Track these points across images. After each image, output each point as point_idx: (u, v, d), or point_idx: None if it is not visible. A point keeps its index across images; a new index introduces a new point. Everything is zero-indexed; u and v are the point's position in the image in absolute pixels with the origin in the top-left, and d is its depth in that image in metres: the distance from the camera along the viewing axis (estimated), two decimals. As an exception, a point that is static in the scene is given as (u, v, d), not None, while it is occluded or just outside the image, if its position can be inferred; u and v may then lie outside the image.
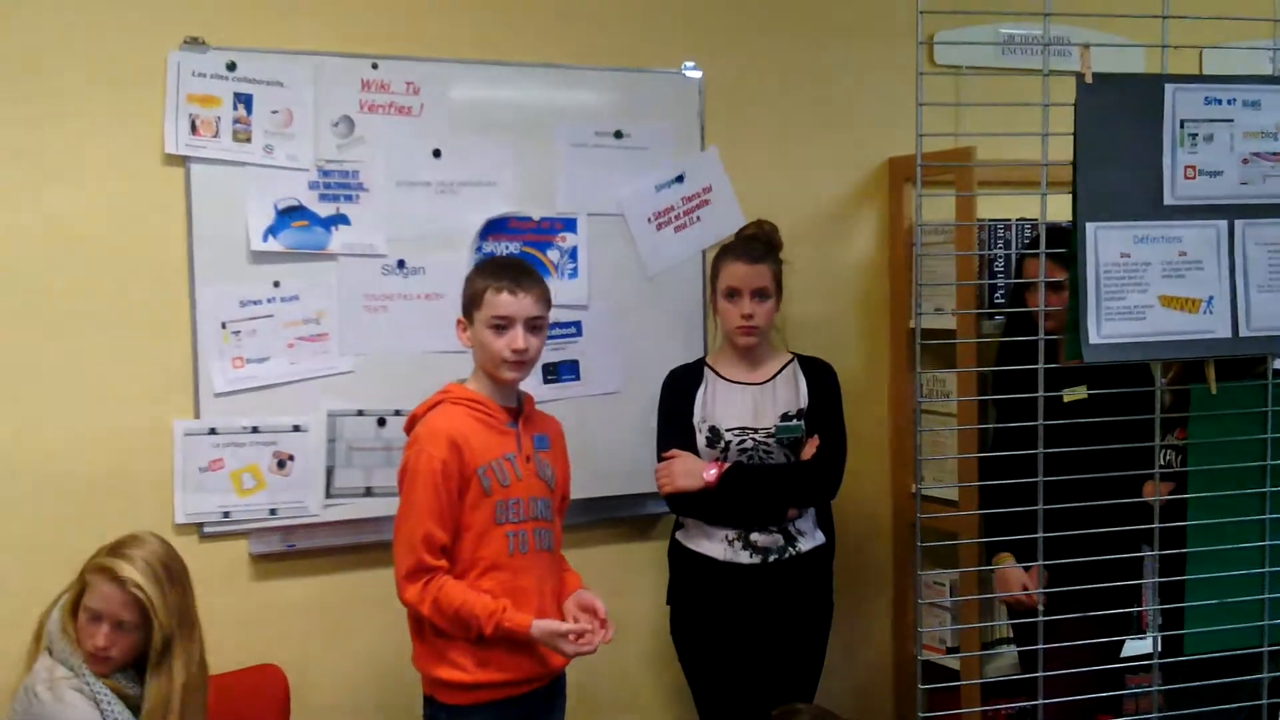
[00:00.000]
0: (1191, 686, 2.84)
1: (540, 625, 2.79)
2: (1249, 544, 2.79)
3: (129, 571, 2.62)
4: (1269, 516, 2.79)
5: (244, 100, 3.16)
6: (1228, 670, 2.89)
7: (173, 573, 2.70)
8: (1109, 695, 3.31)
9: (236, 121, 3.15)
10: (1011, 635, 3.82)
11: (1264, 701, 3.00)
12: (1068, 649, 2.86)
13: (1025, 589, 3.36)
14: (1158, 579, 2.79)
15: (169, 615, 2.66)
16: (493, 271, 2.90)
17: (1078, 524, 2.75)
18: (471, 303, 2.89)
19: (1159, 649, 2.88)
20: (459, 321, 2.94)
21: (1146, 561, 3.39)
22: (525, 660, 2.84)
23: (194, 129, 3.12)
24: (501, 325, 2.84)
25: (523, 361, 2.87)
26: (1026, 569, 3.37)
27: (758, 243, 3.31)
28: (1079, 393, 3.24)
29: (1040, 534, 2.71)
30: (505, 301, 2.84)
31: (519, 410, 2.97)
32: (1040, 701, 2.77)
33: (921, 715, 2.76)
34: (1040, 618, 2.82)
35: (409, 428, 2.91)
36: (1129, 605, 3.32)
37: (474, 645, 2.80)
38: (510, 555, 2.86)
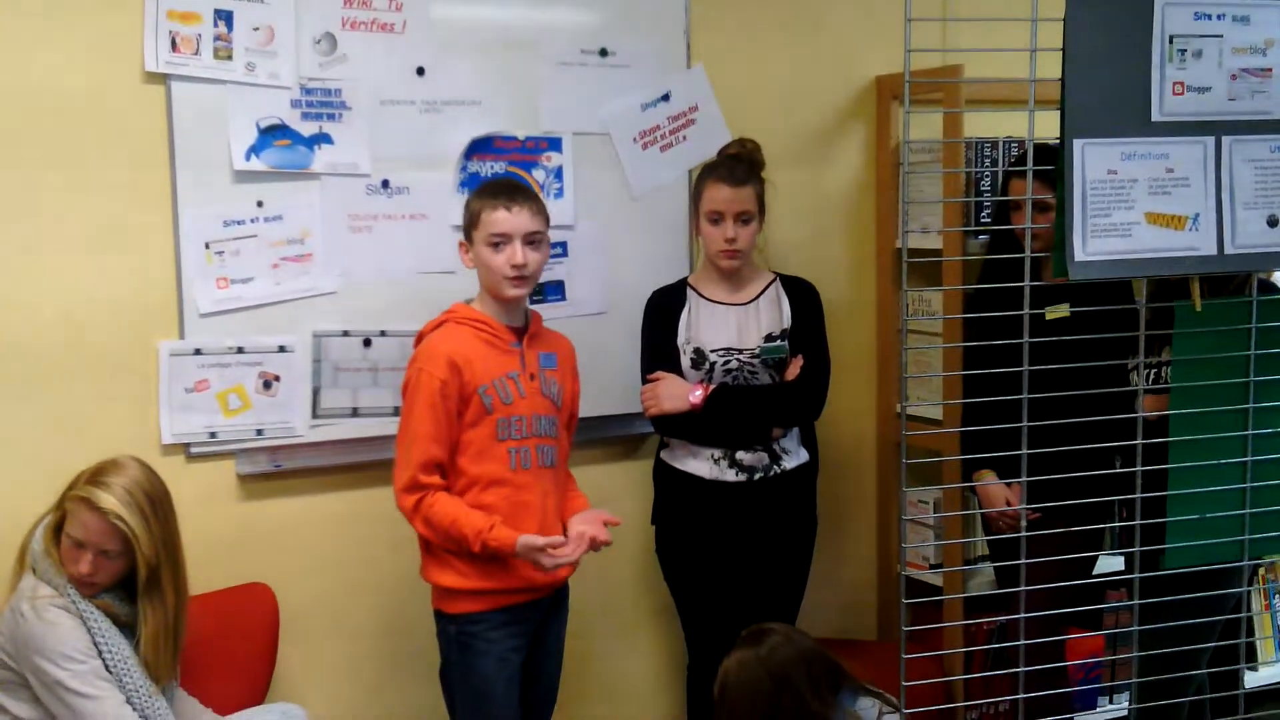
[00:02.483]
0: (1169, 601, 2.88)
1: (522, 541, 2.83)
2: (1230, 460, 2.82)
3: (109, 503, 2.62)
4: (1251, 432, 2.81)
5: (224, 17, 3.11)
6: (1206, 585, 2.94)
7: (154, 500, 2.70)
8: (1087, 610, 3.37)
9: (217, 39, 3.11)
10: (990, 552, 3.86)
11: (1243, 615, 3.04)
12: (1045, 565, 2.89)
13: (1008, 504, 3.39)
14: (1139, 494, 2.81)
15: (153, 544, 2.67)
16: (489, 191, 2.96)
17: (1059, 441, 2.77)
18: (471, 224, 2.95)
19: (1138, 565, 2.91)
20: (460, 244, 3.00)
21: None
22: (528, 568, 2.89)
23: (174, 46, 3.07)
24: (499, 242, 2.89)
25: (523, 277, 2.92)
26: (1009, 485, 3.40)
27: (741, 164, 3.29)
28: (1061, 310, 3.25)
29: (1024, 450, 2.73)
30: (501, 218, 2.89)
31: (525, 329, 3.01)
32: (1022, 616, 2.81)
33: (904, 629, 2.80)
34: (1022, 533, 2.84)
35: (417, 344, 2.98)
36: (1107, 521, 3.35)
37: (476, 556, 2.86)
38: (513, 471, 2.93)
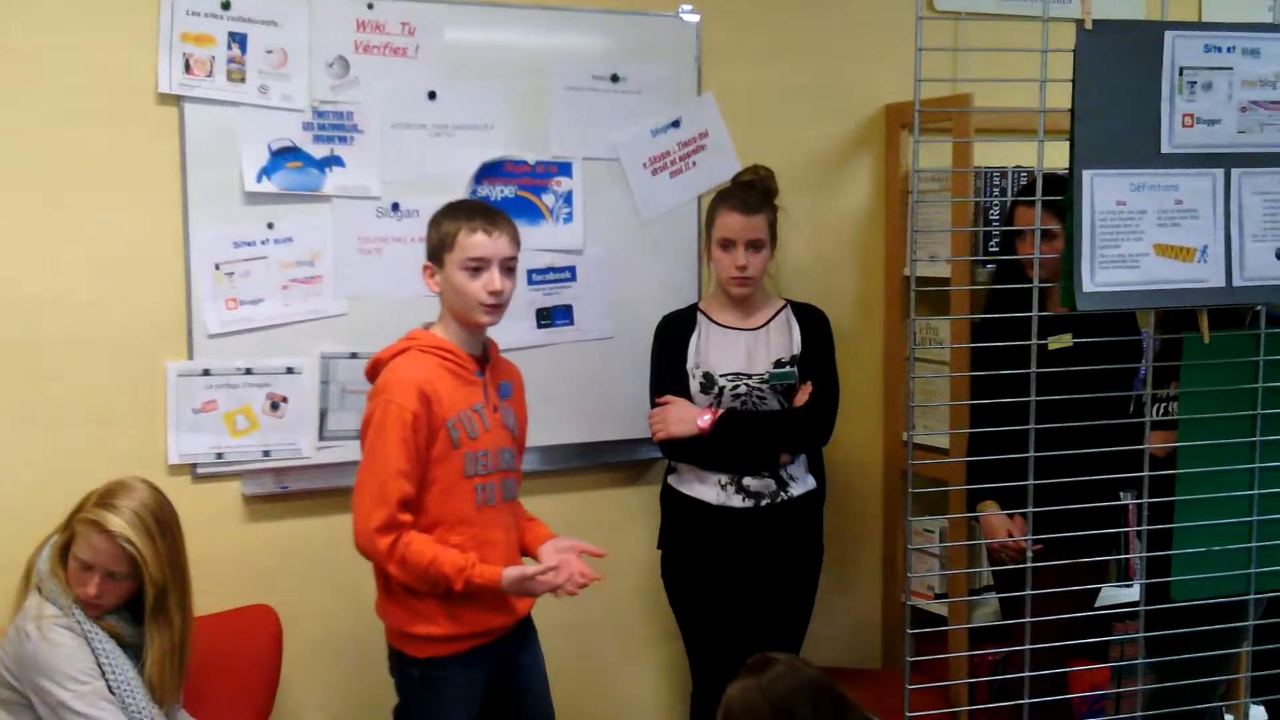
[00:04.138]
0: (1176, 634, 2.87)
1: (509, 574, 2.72)
2: (1237, 492, 2.81)
3: (118, 525, 2.62)
4: (1258, 465, 2.81)
5: (238, 40, 3.13)
6: (1212, 618, 2.92)
7: (162, 523, 2.69)
8: (1093, 641, 3.35)
9: (231, 61, 3.13)
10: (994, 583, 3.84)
11: (1249, 649, 3.03)
12: (1050, 596, 2.88)
13: (1010, 535, 3.38)
14: (1145, 526, 2.80)
15: (160, 567, 2.67)
16: (465, 213, 2.82)
17: (1063, 472, 2.77)
18: (442, 246, 2.79)
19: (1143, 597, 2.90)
20: (425, 267, 2.84)
21: (1131, 509, 3.43)
22: (495, 609, 2.81)
23: (188, 68, 3.09)
24: (477, 267, 2.76)
25: (499, 304, 2.80)
26: (1011, 516, 3.39)
27: (754, 191, 3.29)
28: (1064, 340, 3.25)
29: (1030, 481, 2.73)
30: (480, 242, 2.76)
31: (485, 358, 2.90)
32: (1027, 648, 2.80)
33: (909, 660, 2.79)
34: (1027, 564, 2.83)
35: (371, 374, 2.84)
36: (1112, 552, 3.34)
37: (442, 598, 2.75)
38: (478, 509, 2.81)
